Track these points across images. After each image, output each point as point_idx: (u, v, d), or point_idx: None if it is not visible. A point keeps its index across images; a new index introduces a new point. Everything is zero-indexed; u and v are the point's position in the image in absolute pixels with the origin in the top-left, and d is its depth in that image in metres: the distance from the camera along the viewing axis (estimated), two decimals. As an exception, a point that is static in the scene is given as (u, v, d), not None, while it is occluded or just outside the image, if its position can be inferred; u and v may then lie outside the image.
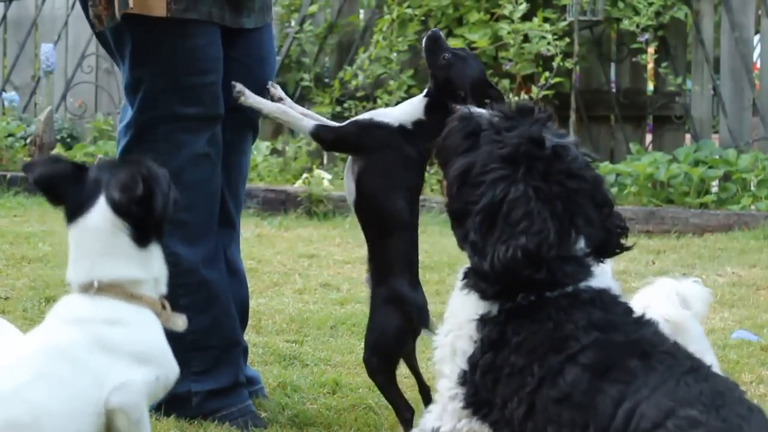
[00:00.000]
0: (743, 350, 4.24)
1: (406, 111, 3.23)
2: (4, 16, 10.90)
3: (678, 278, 3.37)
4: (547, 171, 2.41)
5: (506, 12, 8.40)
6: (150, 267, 2.36)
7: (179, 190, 3.30)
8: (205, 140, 3.28)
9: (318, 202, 8.04)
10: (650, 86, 9.13)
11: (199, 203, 3.30)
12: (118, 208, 2.30)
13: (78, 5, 10.42)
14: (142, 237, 2.34)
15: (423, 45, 3.23)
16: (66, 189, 2.35)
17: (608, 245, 2.52)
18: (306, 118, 3.30)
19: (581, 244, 2.46)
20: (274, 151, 9.17)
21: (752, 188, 7.81)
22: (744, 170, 7.82)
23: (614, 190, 7.86)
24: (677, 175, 7.80)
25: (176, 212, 3.29)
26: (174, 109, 3.24)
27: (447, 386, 2.49)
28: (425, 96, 3.22)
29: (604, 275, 2.51)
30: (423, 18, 8.88)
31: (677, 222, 7.43)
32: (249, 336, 4.10)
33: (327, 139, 3.28)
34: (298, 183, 8.38)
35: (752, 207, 7.62)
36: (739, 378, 3.88)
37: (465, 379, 2.45)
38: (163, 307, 2.36)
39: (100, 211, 2.31)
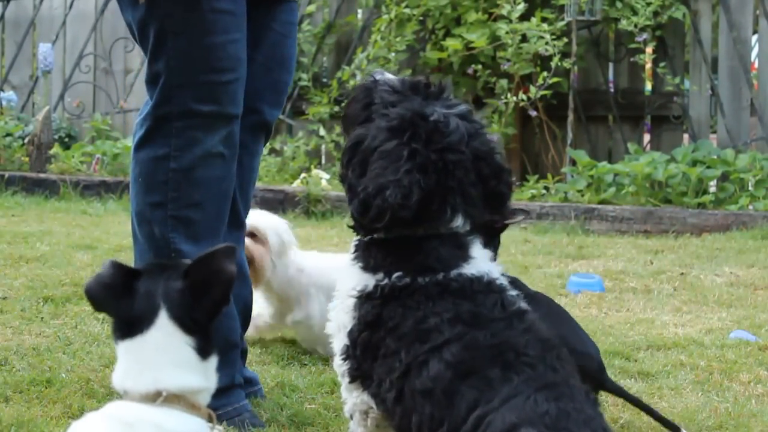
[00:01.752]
0: (741, 350, 4.23)
1: None
2: (2, 16, 10.90)
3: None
4: (427, 143, 2.50)
5: (504, 12, 8.40)
6: (210, 377, 2.28)
7: (189, 187, 3.26)
8: (219, 139, 3.22)
9: (316, 202, 8.04)
10: (648, 86, 9.12)
11: (208, 202, 3.25)
12: (187, 328, 2.21)
13: (76, 5, 10.44)
14: (205, 349, 2.24)
15: None
16: (116, 302, 2.21)
17: (496, 213, 2.61)
18: None
19: (458, 221, 2.53)
20: (272, 151, 9.17)
21: (750, 188, 7.82)
22: (742, 170, 7.82)
23: (612, 189, 7.86)
24: (675, 175, 7.81)
25: (184, 209, 3.26)
26: (188, 105, 3.18)
27: (337, 363, 2.61)
28: None
29: (482, 259, 2.56)
30: (421, 18, 8.88)
31: (675, 222, 7.43)
32: (246, 336, 4.09)
33: None
34: (296, 183, 8.38)
35: (750, 207, 7.62)
36: (737, 378, 3.88)
37: (348, 354, 2.56)
38: (211, 418, 2.28)
39: (164, 328, 2.20)
